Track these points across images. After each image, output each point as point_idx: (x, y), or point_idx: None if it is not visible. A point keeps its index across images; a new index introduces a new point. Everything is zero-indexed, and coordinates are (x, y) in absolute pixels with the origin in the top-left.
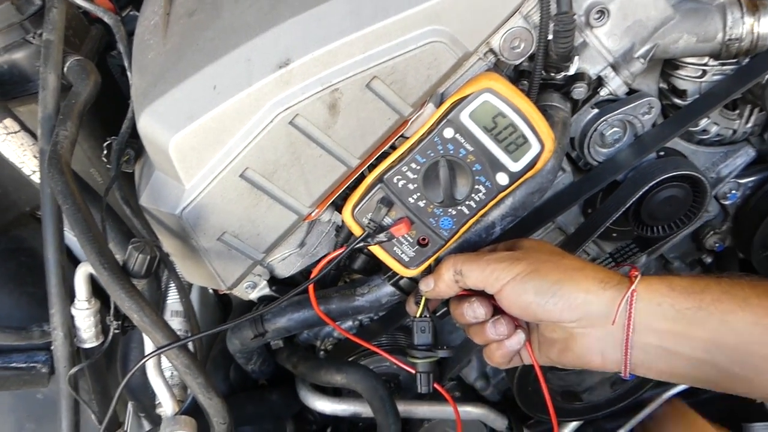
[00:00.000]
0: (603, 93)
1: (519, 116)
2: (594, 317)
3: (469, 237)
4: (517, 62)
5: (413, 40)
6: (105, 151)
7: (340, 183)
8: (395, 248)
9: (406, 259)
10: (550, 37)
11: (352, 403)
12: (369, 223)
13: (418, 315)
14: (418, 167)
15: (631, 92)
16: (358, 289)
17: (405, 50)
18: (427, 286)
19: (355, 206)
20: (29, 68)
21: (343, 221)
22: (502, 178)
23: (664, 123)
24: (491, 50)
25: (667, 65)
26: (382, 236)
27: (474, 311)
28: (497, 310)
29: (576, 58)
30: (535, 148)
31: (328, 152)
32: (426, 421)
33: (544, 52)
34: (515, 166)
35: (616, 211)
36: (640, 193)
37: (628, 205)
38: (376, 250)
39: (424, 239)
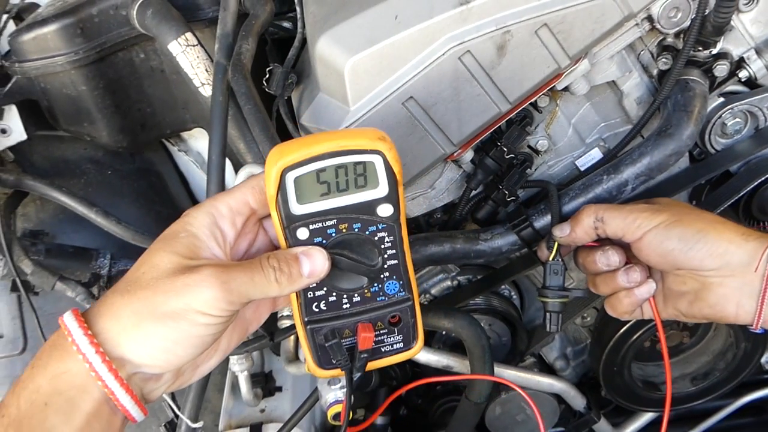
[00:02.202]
0: (741, 75)
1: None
2: (734, 266)
3: (600, 193)
4: (671, 32)
5: None
6: (267, 76)
7: (486, 127)
8: (384, 347)
9: (402, 345)
10: (707, 12)
11: (445, 356)
12: (338, 361)
13: (551, 258)
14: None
15: (755, 87)
16: (481, 234)
17: (578, 1)
18: (562, 232)
19: (314, 361)
20: None
21: (475, 169)
22: (384, 210)
23: None
24: (649, 17)
25: None
26: (363, 357)
27: (608, 259)
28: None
29: (722, 37)
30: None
31: (486, 92)
32: (504, 392)
33: (699, 25)
34: (381, 190)
35: (729, 198)
36: (756, 183)
37: (741, 194)
38: (375, 364)
39: (393, 318)
